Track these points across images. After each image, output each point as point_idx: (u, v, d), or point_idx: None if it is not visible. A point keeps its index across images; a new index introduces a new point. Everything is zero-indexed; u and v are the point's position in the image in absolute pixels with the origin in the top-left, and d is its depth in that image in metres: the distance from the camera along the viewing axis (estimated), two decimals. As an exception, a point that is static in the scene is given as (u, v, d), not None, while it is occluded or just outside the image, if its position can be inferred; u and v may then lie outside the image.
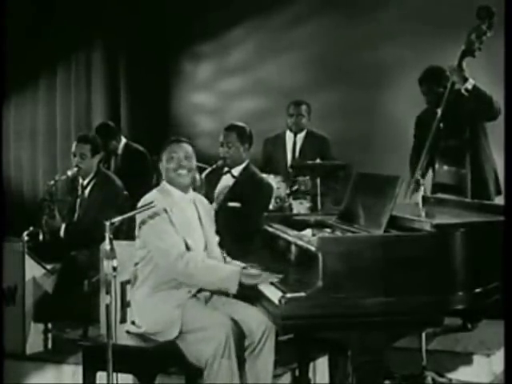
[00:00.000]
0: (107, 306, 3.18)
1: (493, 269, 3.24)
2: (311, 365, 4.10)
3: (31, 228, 4.96)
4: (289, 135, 5.98)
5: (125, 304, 4.24)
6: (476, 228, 3.24)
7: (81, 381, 3.61)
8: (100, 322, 4.39)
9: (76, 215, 5.15)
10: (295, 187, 5.41)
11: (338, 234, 3.51)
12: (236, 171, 4.77)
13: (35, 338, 4.70)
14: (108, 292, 3.18)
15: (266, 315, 3.42)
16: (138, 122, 7.65)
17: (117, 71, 7.84)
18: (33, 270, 4.70)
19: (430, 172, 4.81)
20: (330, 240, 3.18)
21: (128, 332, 3.59)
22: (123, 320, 4.18)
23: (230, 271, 3.49)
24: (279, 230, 3.81)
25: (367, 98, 6.61)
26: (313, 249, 3.11)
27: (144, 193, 3.68)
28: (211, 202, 4.19)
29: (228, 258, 3.79)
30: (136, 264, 3.64)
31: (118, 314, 4.06)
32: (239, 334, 3.44)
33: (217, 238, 3.78)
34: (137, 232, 3.61)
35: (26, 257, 4.66)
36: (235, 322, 3.46)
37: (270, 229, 3.91)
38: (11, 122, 8.16)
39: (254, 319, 3.48)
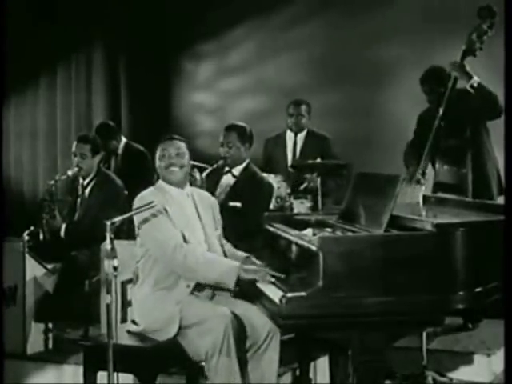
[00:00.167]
0: (108, 306, 3.18)
1: (493, 268, 3.24)
2: (312, 364, 4.10)
3: (32, 228, 4.96)
4: (289, 135, 5.97)
5: (125, 304, 4.25)
6: (476, 227, 3.24)
7: (81, 381, 3.60)
8: (101, 322, 4.39)
9: (76, 215, 5.15)
10: (304, 184, 5.40)
11: (339, 233, 3.51)
12: (236, 171, 4.77)
13: (36, 338, 4.70)
14: (109, 292, 3.18)
15: (266, 314, 3.41)
16: (139, 121, 7.65)
17: (117, 71, 7.84)
18: (33, 269, 4.71)
19: (431, 171, 4.81)
20: (330, 239, 3.18)
21: (129, 332, 3.59)
22: (124, 320, 4.18)
23: (228, 266, 3.49)
24: (280, 229, 3.80)
25: (368, 98, 6.60)
26: (313, 248, 3.11)
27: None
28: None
29: (233, 249, 3.80)
30: (137, 262, 3.65)
31: (119, 313, 4.07)
32: (240, 331, 3.44)
33: (218, 232, 3.78)
34: (136, 231, 3.62)
35: (27, 256, 4.67)
36: (238, 318, 3.45)
37: (271, 228, 3.90)
38: (11, 122, 8.16)
39: (259, 318, 3.48)
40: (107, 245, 3.21)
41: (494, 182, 4.80)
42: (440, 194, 4.57)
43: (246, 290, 3.56)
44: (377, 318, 3.07)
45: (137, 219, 3.57)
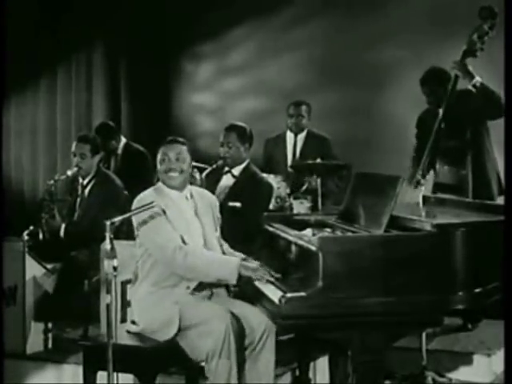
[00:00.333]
0: (107, 306, 3.18)
1: (493, 269, 3.24)
2: (311, 364, 4.10)
3: (31, 228, 4.97)
4: (289, 136, 5.97)
5: (125, 304, 4.25)
6: (476, 228, 3.24)
7: (81, 380, 3.61)
8: (100, 322, 4.40)
9: (76, 215, 5.15)
10: (305, 186, 5.40)
11: (339, 233, 3.51)
12: (236, 171, 4.77)
13: (35, 338, 4.70)
14: (108, 292, 3.18)
15: (266, 315, 3.42)
16: (139, 122, 7.65)
17: (117, 71, 7.84)
18: (33, 269, 4.70)
19: (431, 172, 4.81)
20: (330, 240, 3.18)
21: (128, 332, 3.60)
22: (123, 320, 4.19)
23: (229, 262, 3.50)
24: (279, 229, 3.80)
25: (367, 99, 6.61)
26: (313, 248, 3.11)
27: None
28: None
29: (230, 250, 3.80)
30: (137, 262, 3.65)
31: (119, 313, 4.07)
32: (240, 330, 3.44)
33: (217, 233, 3.78)
34: (136, 232, 3.62)
35: (27, 256, 4.66)
36: (236, 318, 3.45)
37: (271, 228, 3.90)
38: (11, 122, 8.16)
39: (255, 317, 3.48)
40: (107, 245, 3.21)
41: (494, 182, 4.81)
42: (440, 195, 4.56)
43: (245, 291, 3.56)
44: (376, 318, 3.07)
45: (135, 220, 3.58)
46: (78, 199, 5.17)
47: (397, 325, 3.17)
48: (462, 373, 4.33)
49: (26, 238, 4.81)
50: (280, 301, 3.02)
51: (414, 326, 3.39)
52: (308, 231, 3.71)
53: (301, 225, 3.88)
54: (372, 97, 6.62)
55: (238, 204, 4.62)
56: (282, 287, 3.29)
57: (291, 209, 5.28)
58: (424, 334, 4.10)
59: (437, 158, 4.75)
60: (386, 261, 3.06)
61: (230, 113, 7.25)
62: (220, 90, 7.62)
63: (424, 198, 4.12)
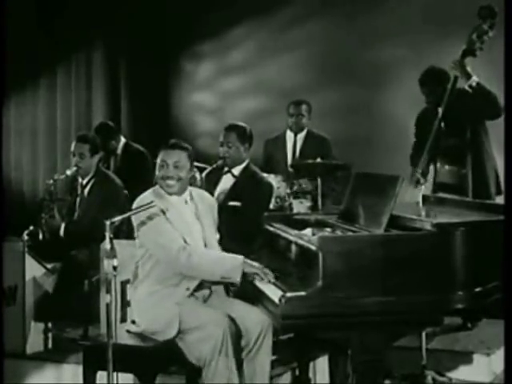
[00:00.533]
0: (107, 306, 3.18)
1: (493, 268, 3.24)
2: (311, 364, 4.10)
3: (31, 227, 4.97)
4: (289, 135, 5.98)
5: (125, 303, 4.25)
6: (476, 227, 3.24)
7: (81, 380, 3.61)
8: (100, 322, 4.40)
9: (76, 215, 5.15)
10: (295, 187, 5.40)
11: (339, 233, 3.51)
12: (236, 171, 4.77)
13: (35, 338, 4.70)
14: (108, 291, 3.18)
15: (266, 314, 3.42)
16: (139, 121, 7.66)
17: (117, 71, 7.85)
18: (33, 269, 4.70)
19: (431, 171, 4.81)
20: (330, 239, 3.18)
21: (128, 331, 3.59)
22: (123, 319, 4.19)
23: (233, 260, 3.50)
24: (279, 229, 3.81)
25: (367, 98, 6.61)
26: (313, 248, 3.11)
27: (144, 192, 3.69)
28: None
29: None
30: (137, 262, 3.65)
31: (119, 313, 4.07)
32: (237, 333, 3.45)
33: (217, 236, 3.77)
34: (135, 233, 3.62)
35: (26, 256, 4.66)
36: (233, 321, 3.46)
37: (271, 228, 3.90)
38: (11, 122, 8.16)
39: (250, 319, 3.49)
40: (107, 244, 3.21)
41: (493, 181, 4.81)
42: (440, 194, 4.57)
43: (245, 290, 3.56)
44: (376, 318, 3.07)
45: (135, 222, 3.57)
46: (78, 199, 5.17)
47: (396, 324, 3.17)
48: (461, 372, 4.33)
49: (25, 237, 4.81)
50: (280, 300, 3.02)
51: (414, 326, 3.40)
52: (308, 231, 3.70)
53: (301, 224, 3.88)
54: (372, 96, 6.62)
55: (238, 204, 4.62)
56: (281, 287, 3.29)
57: (291, 208, 5.29)
58: (424, 334, 4.09)
59: (437, 157, 4.75)
60: (385, 260, 3.06)
61: (230, 112, 7.26)
62: (220, 90, 7.63)
63: (424, 197, 4.13)
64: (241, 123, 4.87)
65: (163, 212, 3.54)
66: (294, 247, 3.51)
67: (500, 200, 4.61)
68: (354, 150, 6.24)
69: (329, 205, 5.30)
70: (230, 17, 7.33)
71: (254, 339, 3.46)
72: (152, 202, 3.47)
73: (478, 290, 3.17)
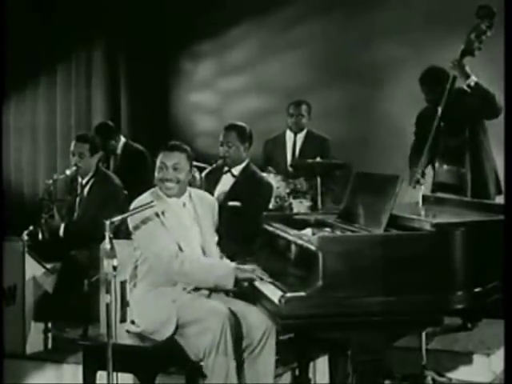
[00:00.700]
0: (107, 306, 3.18)
1: (493, 268, 3.24)
2: (311, 364, 4.10)
3: (31, 227, 4.97)
4: (289, 135, 5.99)
5: (125, 303, 4.24)
6: (476, 227, 3.24)
7: (81, 380, 3.61)
8: (100, 322, 4.39)
9: (75, 214, 5.15)
10: (291, 186, 5.40)
11: (338, 233, 3.51)
12: (236, 170, 4.76)
13: (35, 338, 4.70)
14: (108, 291, 3.18)
15: (266, 315, 3.41)
16: (138, 121, 7.65)
17: (117, 70, 7.85)
18: (33, 269, 4.70)
19: (431, 171, 4.81)
20: (330, 239, 3.18)
21: (128, 331, 3.60)
22: (123, 319, 4.18)
23: (225, 268, 3.51)
24: (279, 229, 3.80)
25: (367, 98, 6.61)
26: (313, 248, 3.11)
27: (143, 192, 3.69)
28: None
29: (224, 258, 3.78)
30: (135, 262, 3.65)
31: (118, 313, 4.06)
32: (237, 327, 3.44)
33: (216, 238, 3.77)
34: (132, 235, 3.62)
35: (26, 256, 4.66)
36: (234, 315, 3.45)
37: (270, 228, 3.90)
38: (11, 121, 8.16)
39: (254, 319, 3.48)
40: (106, 244, 3.21)
41: (492, 181, 4.81)
42: (439, 194, 4.56)
43: (245, 291, 3.55)
44: (376, 318, 3.07)
45: (130, 224, 3.57)
46: (78, 199, 5.16)
47: (396, 324, 3.17)
48: (461, 372, 4.33)
49: (25, 237, 4.81)
50: (280, 301, 3.02)
51: (414, 326, 3.39)
52: (308, 231, 3.70)
53: (300, 224, 3.87)
54: (372, 96, 6.63)
55: (237, 203, 4.61)
56: (281, 287, 3.28)
57: (291, 208, 5.29)
58: (424, 334, 4.09)
59: (436, 156, 4.75)
60: (385, 260, 3.06)
61: (230, 112, 7.26)
62: (219, 89, 7.63)
63: (423, 197, 4.12)
64: (241, 123, 4.86)
65: (158, 215, 3.53)
66: (293, 247, 3.51)
67: (500, 200, 4.61)
68: (354, 149, 6.24)
69: (329, 204, 5.30)
70: (229, 16, 7.33)
71: (258, 338, 3.47)
72: (151, 201, 3.47)
73: (477, 290, 3.17)
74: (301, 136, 5.96)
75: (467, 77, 4.51)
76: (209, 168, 4.79)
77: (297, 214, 4.69)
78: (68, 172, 5.06)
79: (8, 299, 4.66)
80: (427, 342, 4.22)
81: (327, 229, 3.69)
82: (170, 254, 3.47)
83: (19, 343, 4.63)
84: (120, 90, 7.82)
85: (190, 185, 3.82)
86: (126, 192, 5.21)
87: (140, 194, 3.69)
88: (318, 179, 5.30)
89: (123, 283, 4.22)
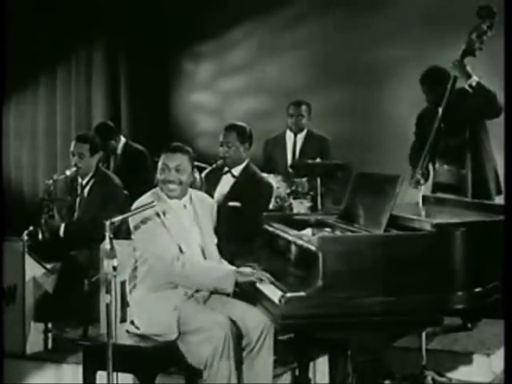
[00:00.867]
0: (107, 306, 3.18)
1: (493, 268, 3.24)
2: (311, 364, 4.10)
3: (31, 228, 4.97)
4: (289, 135, 5.99)
5: (125, 303, 4.23)
6: (476, 227, 3.24)
7: (81, 380, 3.61)
8: (100, 322, 4.39)
9: (75, 215, 5.15)
10: (293, 188, 5.40)
11: (338, 233, 3.51)
12: (236, 171, 4.76)
13: (35, 338, 4.70)
14: (108, 291, 3.18)
15: (266, 315, 3.42)
16: (139, 121, 7.65)
17: (117, 71, 7.84)
18: (33, 269, 4.70)
19: (431, 171, 4.81)
20: (330, 239, 3.18)
21: (128, 331, 3.60)
22: (123, 319, 4.18)
23: (225, 271, 3.51)
24: (279, 229, 3.80)
25: (367, 98, 6.61)
26: (313, 248, 3.11)
27: (144, 192, 3.69)
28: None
29: (223, 261, 3.78)
30: (135, 263, 3.64)
31: (118, 313, 4.06)
32: (237, 334, 3.45)
33: (215, 240, 3.77)
34: (132, 235, 3.61)
35: (26, 256, 4.66)
36: (233, 322, 3.46)
37: (270, 228, 3.90)
38: (11, 122, 8.16)
39: (252, 319, 3.48)
40: (106, 244, 3.21)
41: (492, 181, 4.81)
42: (439, 194, 4.56)
43: (246, 291, 3.56)
44: (376, 318, 3.07)
45: (131, 224, 3.57)
46: (78, 199, 5.16)
47: (396, 324, 3.17)
48: (461, 372, 4.33)
49: (25, 237, 4.81)
50: (280, 301, 3.02)
51: (414, 326, 3.39)
52: (308, 231, 3.71)
53: (301, 225, 3.88)
54: (372, 96, 6.62)
55: (238, 204, 4.61)
56: (281, 287, 3.29)
57: (291, 208, 5.28)
58: (424, 334, 4.10)
59: (436, 157, 4.75)
60: (385, 260, 3.06)
61: (230, 112, 7.26)
62: (220, 90, 7.63)
63: (424, 197, 4.12)
64: (241, 123, 4.86)
65: (158, 215, 3.53)
66: (293, 247, 3.51)
67: (500, 200, 4.61)
68: (354, 150, 6.24)
69: (329, 205, 5.30)
70: (229, 17, 7.33)
71: (256, 338, 3.47)
72: (152, 202, 3.46)
73: (477, 290, 3.17)
74: (301, 136, 5.96)
75: (469, 77, 4.52)
76: (209, 168, 4.78)
77: (297, 214, 4.70)
78: (68, 172, 5.06)
79: (8, 299, 4.66)
80: (427, 342, 4.22)
81: (327, 229, 3.69)
82: (171, 255, 3.47)
83: (19, 343, 4.63)
84: (120, 91, 7.82)
85: (191, 186, 3.82)
86: (126, 192, 5.21)
87: (140, 194, 3.68)
88: (318, 179, 5.30)
89: (123, 283, 4.22)
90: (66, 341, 4.81)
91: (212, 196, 4.64)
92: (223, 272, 3.51)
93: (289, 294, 3.03)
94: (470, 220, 3.39)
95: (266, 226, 3.95)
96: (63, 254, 4.85)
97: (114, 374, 3.20)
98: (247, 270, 3.51)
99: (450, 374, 4.30)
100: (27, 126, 8.16)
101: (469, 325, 4.85)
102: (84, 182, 5.12)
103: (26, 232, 4.89)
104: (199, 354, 3.36)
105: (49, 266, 4.79)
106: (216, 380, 3.33)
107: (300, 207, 5.32)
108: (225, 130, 4.80)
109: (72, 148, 5.11)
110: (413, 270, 3.06)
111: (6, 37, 7.45)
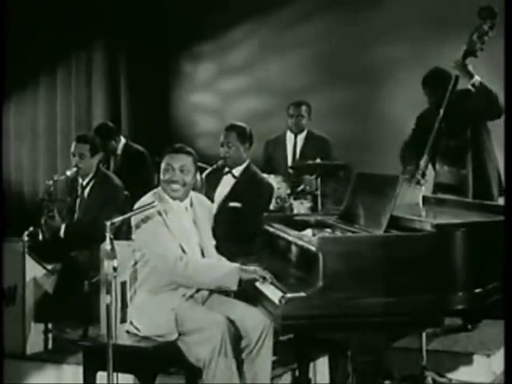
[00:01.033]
0: (107, 306, 3.18)
1: (493, 269, 3.24)
2: (311, 365, 4.10)
3: (31, 228, 4.97)
4: (289, 136, 5.99)
5: (125, 304, 4.24)
6: (476, 228, 3.24)
7: (81, 381, 3.61)
8: (100, 322, 4.39)
9: (76, 215, 5.15)
10: (301, 187, 5.40)
11: (339, 233, 3.51)
12: (237, 171, 4.76)
13: (35, 338, 4.70)
14: (108, 292, 3.18)
15: (266, 315, 3.42)
16: (139, 121, 7.65)
17: (117, 71, 7.85)
18: (33, 270, 4.70)
19: (431, 172, 4.80)
20: (330, 240, 3.18)
21: (128, 332, 3.60)
22: (123, 320, 4.17)
23: (229, 268, 3.51)
24: (280, 229, 3.80)
25: (368, 98, 6.61)
26: (313, 249, 3.11)
27: (144, 193, 3.69)
28: (211, 203, 4.18)
29: (222, 258, 3.78)
30: (134, 264, 3.64)
31: (119, 313, 4.06)
32: (236, 334, 3.45)
33: (213, 242, 3.77)
34: (133, 234, 3.61)
35: (27, 257, 4.66)
36: (232, 322, 3.46)
37: (271, 229, 3.90)
38: (11, 122, 8.16)
39: (251, 319, 3.49)
40: (107, 245, 3.20)
41: (495, 182, 4.79)
42: (440, 195, 4.56)
43: (246, 291, 3.56)
44: (376, 319, 3.07)
45: (133, 224, 3.56)
46: (78, 199, 5.16)
47: (397, 325, 3.17)
48: (461, 373, 4.33)
49: (26, 238, 4.80)
50: (280, 301, 3.02)
51: (414, 327, 3.39)
52: (308, 231, 3.71)
53: (301, 225, 3.88)
54: (372, 96, 6.63)
55: (238, 204, 4.61)
56: (281, 287, 3.29)
57: (291, 209, 5.29)
58: (424, 335, 4.10)
59: (437, 157, 4.75)
60: (386, 261, 3.06)
61: (230, 113, 7.26)
62: (220, 90, 7.63)
63: (424, 198, 4.12)
64: (241, 123, 4.86)
65: (160, 214, 3.53)
66: (294, 248, 3.51)
67: (502, 201, 4.60)
68: (354, 150, 6.24)
69: (329, 205, 5.30)
70: (229, 17, 7.34)
71: (256, 339, 3.47)
72: (153, 202, 3.46)
73: (478, 290, 3.17)
74: (301, 137, 5.96)
75: (471, 76, 4.52)
76: (209, 169, 4.78)
77: (297, 214, 4.70)
78: (68, 173, 5.06)
79: (8, 300, 4.66)
80: (427, 342, 4.22)
81: (327, 229, 3.69)
82: (174, 255, 3.47)
83: (19, 344, 4.63)
84: (120, 91, 7.82)
85: (193, 188, 3.82)
86: (126, 193, 5.21)
87: (141, 194, 3.68)
88: (318, 180, 5.29)
89: (123, 284, 4.22)
90: (66, 341, 4.81)
91: (212, 196, 4.65)
92: (227, 269, 3.50)
93: (289, 295, 3.03)
94: (470, 221, 3.39)
95: (267, 227, 3.95)
96: (63, 255, 4.85)
97: (114, 374, 3.20)
98: (251, 267, 3.51)
99: (450, 375, 4.30)
100: (27, 126, 8.16)
101: (469, 325, 4.85)
102: (84, 183, 5.12)
103: (26, 232, 4.88)
104: (198, 353, 3.36)
105: (49, 267, 4.79)
106: (215, 379, 3.33)
107: (300, 208, 5.32)
108: (225, 130, 4.80)
109: (72, 148, 5.11)
110: (413, 270, 3.06)
111: (5, 37, 7.45)
